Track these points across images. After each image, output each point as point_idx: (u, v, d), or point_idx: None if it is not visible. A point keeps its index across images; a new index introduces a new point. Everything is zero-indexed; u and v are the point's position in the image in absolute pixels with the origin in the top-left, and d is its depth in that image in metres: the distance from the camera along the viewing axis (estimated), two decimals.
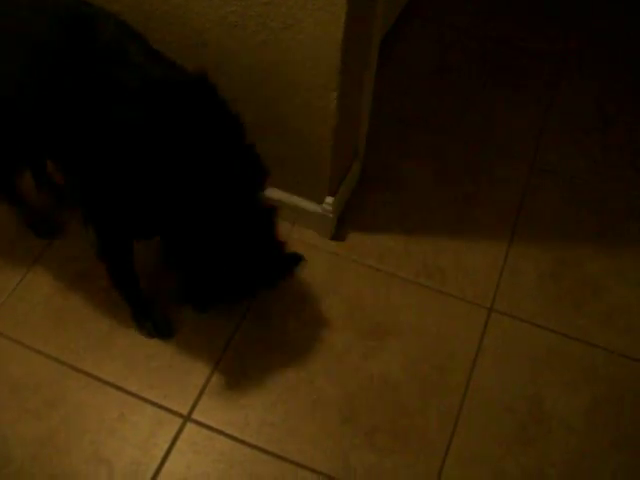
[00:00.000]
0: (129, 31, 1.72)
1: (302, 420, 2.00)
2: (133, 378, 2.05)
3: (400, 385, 2.06)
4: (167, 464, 1.91)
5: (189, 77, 1.70)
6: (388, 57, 2.78)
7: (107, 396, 2.01)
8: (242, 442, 1.95)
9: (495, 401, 2.04)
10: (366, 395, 2.04)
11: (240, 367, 2.08)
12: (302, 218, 2.33)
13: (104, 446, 1.93)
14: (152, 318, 2.13)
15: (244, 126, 1.73)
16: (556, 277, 2.31)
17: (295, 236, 2.34)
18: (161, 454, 1.92)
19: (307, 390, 2.04)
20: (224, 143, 1.71)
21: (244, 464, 1.92)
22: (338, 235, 2.36)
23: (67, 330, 2.12)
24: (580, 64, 2.98)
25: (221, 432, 1.97)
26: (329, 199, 2.25)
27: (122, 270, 2.04)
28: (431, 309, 2.22)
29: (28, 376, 2.04)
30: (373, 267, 2.30)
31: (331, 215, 2.28)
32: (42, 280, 2.22)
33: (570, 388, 2.08)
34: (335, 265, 2.30)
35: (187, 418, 1.98)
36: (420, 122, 2.73)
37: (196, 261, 1.80)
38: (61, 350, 2.08)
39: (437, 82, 2.88)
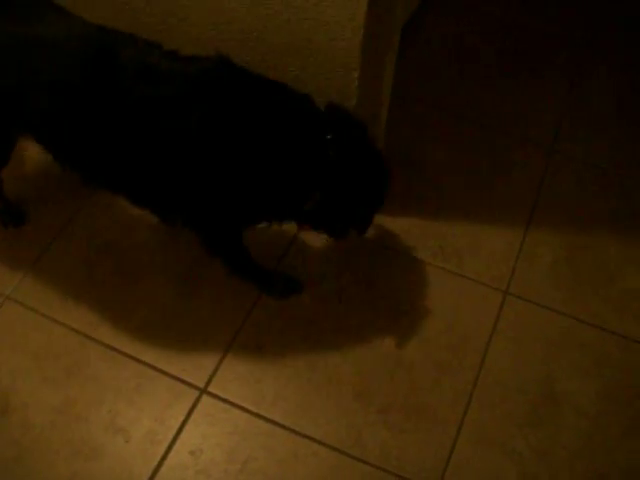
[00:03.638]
0: (146, 44, 1.76)
1: (317, 396, 2.02)
2: (151, 350, 2.08)
3: (414, 364, 2.08)
4: (182, 435, 1.94)
5: (211, 61, 1.74)
6: (410, 41, 2.79)
7: (125, 367, 2.04)
8: (257, 415, 1.98)
9: (508, 382, 2.06)
10: (380, 373, 2.06)
11: (256, 342, 2.10)
12: None
13: (121, 415, 1.96)
14: (280, 281, 2.20)
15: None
16: (572, 262, 2.32)
17: None
18: (177, 425, 1.95)
19: (322, 366, 2.07)
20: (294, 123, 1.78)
21: (258, 437, 1.95)
22: None
23: (88, 301, 2.15)
24: (602, 52, 2.98)
25: (236, 405, 1.99)
26: None
27: (237, 258, 2.11)
28: (447, 291, 2.23)
29: (48, 346, 2.08)
30: (390, 248, 2.32)
31: None
32: (66, 251, 2.25)
33: (582, 373, 2.09)
34: (352, 245, 2.31)
35: (203, 391, 2.01)
36: (440, 106, 2.74)
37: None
38: (81, 321, 2.11)
39: (457, 67, 2.89)
